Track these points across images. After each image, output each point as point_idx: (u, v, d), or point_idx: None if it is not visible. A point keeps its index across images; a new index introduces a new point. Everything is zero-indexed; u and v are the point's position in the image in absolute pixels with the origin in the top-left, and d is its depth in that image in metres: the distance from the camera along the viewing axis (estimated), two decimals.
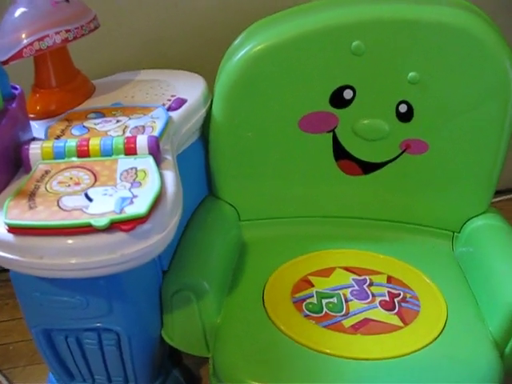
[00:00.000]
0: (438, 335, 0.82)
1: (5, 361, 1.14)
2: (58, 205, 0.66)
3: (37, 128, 0.84)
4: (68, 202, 0.67)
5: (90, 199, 0.67)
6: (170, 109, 0.87)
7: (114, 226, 0.64)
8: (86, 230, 0.64)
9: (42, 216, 0.64)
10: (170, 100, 0.90)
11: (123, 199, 0.66)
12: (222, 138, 0.94)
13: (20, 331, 1.19)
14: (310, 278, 0.91)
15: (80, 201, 0.67)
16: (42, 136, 0.81)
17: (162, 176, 0.71)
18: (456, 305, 0.86)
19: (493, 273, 0.86)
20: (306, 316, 0.85)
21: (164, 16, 1.11)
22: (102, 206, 0.66)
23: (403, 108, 0.91)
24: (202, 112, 0.92)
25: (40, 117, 0.86)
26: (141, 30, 1.11)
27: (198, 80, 0.97)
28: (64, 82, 0.89)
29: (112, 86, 0.96)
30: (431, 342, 0.81)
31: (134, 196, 0.67)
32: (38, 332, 0.82)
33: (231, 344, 0.82)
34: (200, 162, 0.97)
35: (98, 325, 0.79)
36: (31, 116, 0.84)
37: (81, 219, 0.64)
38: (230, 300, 0.88)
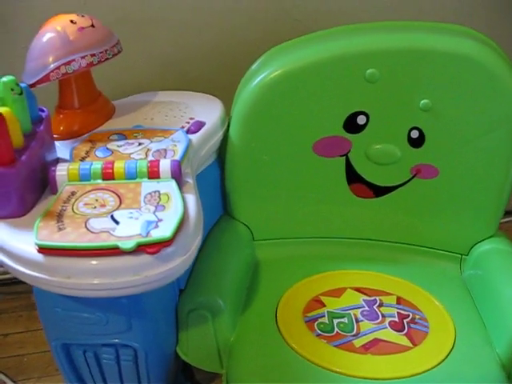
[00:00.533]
0: (446, 356, 0.84)
1: (19, 372, 1.16)
2: (86, 226, 0.69)
3: (60, 148, 0.86)
4: (95, 224, 0.69)
5: (116, 222, 0.69)
6: (189, 131, 0.90)
7: (139, 249, 0.66)
8: (113, 251, 0.66)
9: (71, 238, 0.67)
10: (188, 122, 0.92)
11: (149, 223, 0.69)
12: (238, 160, 0.97)
13: (34, 343, 1.21)
14: (322, 297, 0.93)
15: (107, 223, 0.69)
16: (66, 156, 0.84)
17: (184, 199, 0.74)
18: (464, 327, 0.89)
19: (500, 296, 0.88)
20: (318, 335, 0.87)
21: (183, 40, 1.14)
22: (129, 228, 0.68)
23: (415, 134, 0.94)
24: (220, 135, 0.95)
25: (63, 137, 0.89)
26: (160, 53, 1.14)
27: (215, 103, 0.99)
28: (87, 104, 0.92)
29: (132, 107, 0.98)
30: (439, 363, 0.83)
31: (159, 220, 0.69)
32: (57, 346, 0.84)
33: (244, 361, 0.85)
34: (216, 182, 1.00)
35: (116, 341, 0.81)
36: (55, 136, 0.87)
37: (108, 241, 0.66)
38: (244, 318, 0.90)
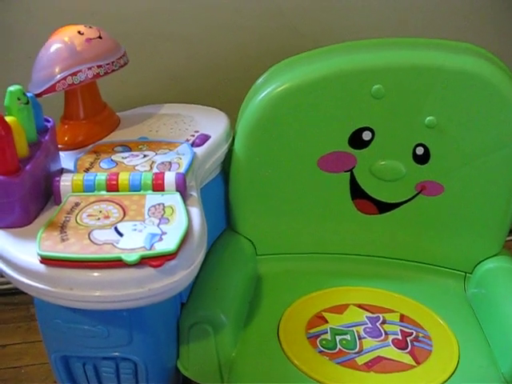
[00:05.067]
0: (450, 376, 0.83)
1: None
2: (90, 238, 0.68)
3: (64, 158, 0.86)
4: (99, 235, 0.69)
5: (120, 234, 0.69)
6: (194, 144, 0.89)
7: (143, 262, 0.66)
8: (117, 264, 0.66)
9: (74, 249, 0.66)
10: (193, 135, 0.92)
11: (153, 235, 0.68)
12: (243, 175, 0.97)
13: (32, 354, 1.20)
14: (324, 314, 0.93)
15: (111, 235, 0.69)
16: (70, 167, 0.84)
17: (188, 212, 0.73)
18: (468, 346, 0.88)
19: (505, 316, 0.87)
20: (320, 352, 0.86)
21: (190, 54, 1.14)
22: (132, 241, 0.68)
23: (420, 151, 0.93)
24: (225, 148, 0.94)
25: (68, 148, 0.89)
26: (166, 66, 1.15)
27: (221, 116, 0.99)
28: (92, 115, 0.92)
29: (136, 119, 0.98)
30: (443, 383, 0.82)
31: (163, 233, 0.69)
32: (56, 358, 0.83)
33: (246, 377, 0.84)
34: (220, 196, 1.00)
35: (117, 354, 0.80)
36: (60, 146, 0.87)
37: (112, 254, 0.66)
38: (246, 333, 0.89)
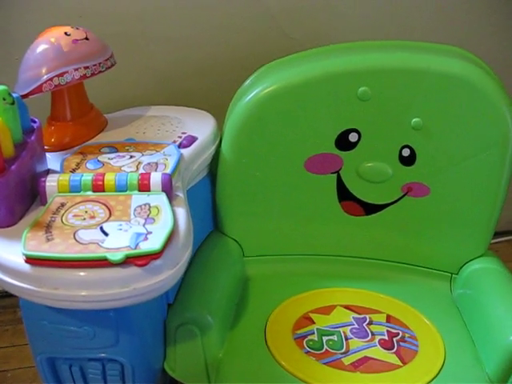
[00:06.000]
0: (436, 375, 0.84)
1: None
2: (75, 238, 0.68)
3: (51, 159, 0.86)
4: (84, 235, 0.69)
5: (105, 233, 0.69)
6: (181, 146, 0.90)
7: (128, 261, 0.65)
8: (102, 263, 0.65)
9: (59, 248, 0.66)
10: (180, 137, 0.92)
11: (138, 235, 0.68)
12: (230, 176, 0.97)
13: (19, 358, 1.19)
14: (311, 315, 0.93)
15: (96, 235, 0.69)
16: (57, 168, 0.83)
17: (173, 213, 0.73)
18: (454, 346, 0.88)
19: (490, 315, 0.88)
20: (307, 353, 0.86)
21: (177, 55, 1.14)
22: (118, 240, 0.68)
23: (406, 152, 0.94)
24: (212, 150, 0.94)
25: (54, 149, 0.89)
26: (154, 68, 1.15)
27: (207, 118, 0.99)
28: (78, 116, 0.92)
29: (124, 120, 0.98)
30: (429, 382, 0.83)
31: (149, 232, 0.69)
32: (42, 360, 0.83)
33: (233, 378, 0.84)
34: (207, 197, 1.00)
35: (103, 355, 0.80)
36: (46, 147, 0.86)
37: (97, 253, 0.66)
38: (233, 335, 0.89)
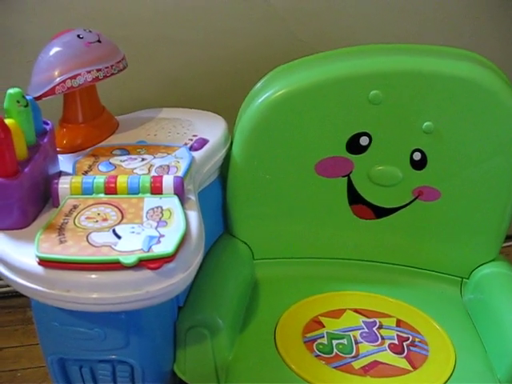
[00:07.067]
0: (447, 380, 0.83)
1: None
2: (88, 240, 0.68)
3: (63, 161, 0.86)
4: (97, 237, 0.69)
5: (118, 236, 0.69)
6: (192, 148, 0.90)
7: (141, 264, 0.66)
8: (114, 266, 0.66)
9: (72, 251, 0.66)
10: (191, 140, 0.92)
11: (151, 238, 0.68)
12: (240, 179, 0.97)
13: (29, 358, 1.20)
14: (321, 318, 0.93)
15: (109, 237, 0.69)
16: (69, 170, 0.84)
17: (185, 216, 0.73)
18: (464, 351, 0.88)
19: (501, 321, 0.87)
20: (317, 356, 0.86)
21: (189, 58, 1.15)
22: (130, 243, 0.68)
23: (417, 156, 0.94)
24: (223, 152, 0.95)
25: (66, 151, 0.89)
26: (165, 70, 1.15)
27: (219, 121, 0.99)
28: (90, 118, 0.92)
29: (135, 123, 0.98)
30: None
31: (161, 235, 0.69)
32: (53, 360, 0.83)
33: (242, 380, 0.84)
34: (217, 200, 1.00)
35: (114, 357, 0.80)
36: (58, 149, 0.87)
37: (110, 256, 0.66)
38: (243, 337, 0.89)
